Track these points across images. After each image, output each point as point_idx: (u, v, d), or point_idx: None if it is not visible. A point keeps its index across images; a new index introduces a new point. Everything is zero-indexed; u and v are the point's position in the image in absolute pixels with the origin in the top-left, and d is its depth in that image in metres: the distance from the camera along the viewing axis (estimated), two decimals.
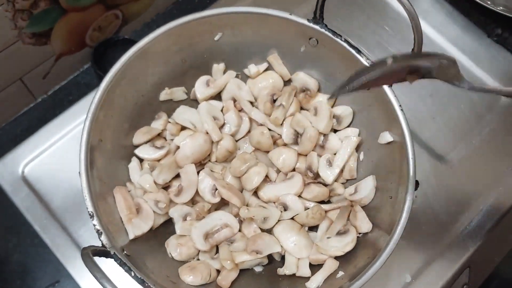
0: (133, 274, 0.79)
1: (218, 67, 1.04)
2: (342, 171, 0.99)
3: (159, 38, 0.94)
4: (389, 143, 0.94)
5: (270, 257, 0.95)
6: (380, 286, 1.04)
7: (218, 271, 0.92)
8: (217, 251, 0.95)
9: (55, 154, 1.11)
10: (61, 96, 1.31)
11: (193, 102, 1.05)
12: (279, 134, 1.02)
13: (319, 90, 1.05)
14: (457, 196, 1.14)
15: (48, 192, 1.08)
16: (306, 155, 1.01)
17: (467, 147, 1.20)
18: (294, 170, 1.01)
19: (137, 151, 0.97)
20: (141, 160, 0.98)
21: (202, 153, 0.97)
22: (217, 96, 1.05)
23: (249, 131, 1.04)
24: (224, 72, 1.05)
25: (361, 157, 1.00)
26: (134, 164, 0.96)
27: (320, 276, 0.88)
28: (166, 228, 0.96)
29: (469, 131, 1.22)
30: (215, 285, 0.90)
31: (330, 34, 0.96)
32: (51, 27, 1.24)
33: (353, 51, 0.95)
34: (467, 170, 1.17)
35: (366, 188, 0.95)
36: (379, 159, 0.97)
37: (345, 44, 0.96)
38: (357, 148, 1.00)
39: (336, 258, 0.91)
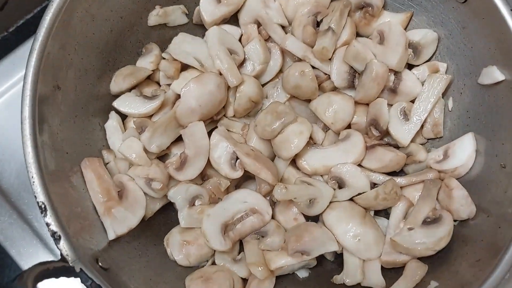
0: None
1: None
2: (422, 126, 0.68)
3: None
4: (496, 83, 0.62)
5: (320, 255, 0.65)
6: None
7: (245, 281, 0.62)
8: (241, 249, 0.64)
9: (3, 112, 0.79)
10: (26, 34, 0.97)
11: (197, 29, 0.73)
12: (326, 74, 0.70)
13: (384, 7, 0.71)
14: None
15: None
16: (368, 104, 0.69)
17: None
18: (349, 127, 0.69)
19: (116, 103, 0.65)
20: (123, 117, 0.66)
21: (214, 104, 0.65)
22: (233, 19, 0.72)
23: (281, 71, 0.71)
24: None
25: (450, 105, 0.68)
26: (112, 122, 0.65)
27: None
28: (164, 215, 0.66)
29: None
30: None
31: None
32: None
33: None
34: None
35: (463, 151, 0.64)
36: (479, 108, 0.65)
37: None
38: (444, 93, 0.68)
39: (421, 259, 0.60)
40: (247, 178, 0.68)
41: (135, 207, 0.60)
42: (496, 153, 0.62)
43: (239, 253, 0.65)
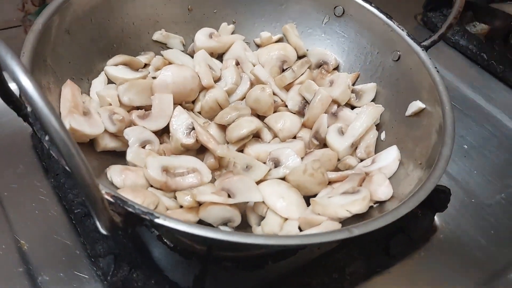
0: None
1: (226, 27, 0.91)
2: (356, 148, 0.77)
3: None
4: (418, 113, 0.75)
5: (244, 220, 0.68)
6: None
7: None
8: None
9: None
10: None
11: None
12: (283, 101, 0.84)
13: (337, 68, 0.89)
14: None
15: None
16: (311, 128, 0.80)
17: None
18: (295, 138, 0.79)
19: (107, 68, 0.78)
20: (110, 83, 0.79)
21: (186, 90, 0.78)
22: (218, 58, 0.90)
23: None
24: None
25: (382, 136, 0.79)
26: (100, 78, 0.77)
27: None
28: (115, 158, 0.72)
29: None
30: None
31: (358, 0, 0.85)
32: None
33: (385, 18, 0.83)
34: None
35: (388, 157, 0.73)
36: (405, 133, 0.76)
37: (375, 10, 0.84)
38: (378, 128, 0.80)
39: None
40: (197, 154, 0.75)
41: (92, 125, 0.67)
42: (415, 157, 0.70)
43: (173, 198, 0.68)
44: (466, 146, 1.02)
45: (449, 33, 1.21)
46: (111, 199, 0.50)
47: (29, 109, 0.56)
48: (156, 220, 0.50)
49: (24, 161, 0.81)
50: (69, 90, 0.69)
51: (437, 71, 0.75)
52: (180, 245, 0.74)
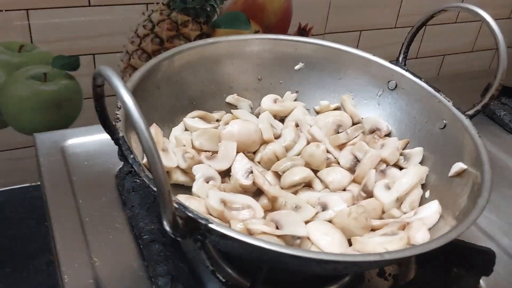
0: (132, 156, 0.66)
1: (290, 95, 1.03)
2: (401, 203, 0.83)
3: (254, 41, 1.00)
4: (460, 174, 0.81)
5: None
6: None
7: None
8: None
9: None
10: None
11: None
12: (335, 158, 0.92)
13: (388, 135, 0.97)
14: None
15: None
16: (361, 183, 0.87)
17: None
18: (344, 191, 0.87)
19: (186, 119, 0.92)
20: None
21: (249, 140, 0.89)
22: (281, 121, 1.01)
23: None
24: None
25: (427, 194, 0.85)
26: (179, 127, 0.90)
27: None
28: (183, 190, 0.82)
29: None
30: None
31: (410, 76, 0.96)
32: None
33: (433, 91, 0.92)
34: None
35: (429, 209, 0.78)
36: (447, 191, 0.81)
37: (424, 84, 0.94)
38: (423, 188, 0.86)
39: None
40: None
41: (169, 159, 0.79)
42: (454, 210, 0.75)
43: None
44: None
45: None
46: (175, 205, 0.60)
47: (120, 134, 0.69)
48: (210, 225, 0.59)
49: (107, 195, 0.94)
50: (153, 130, 0.82)
51: (479, 136, 0.81)
52: (232, 281, 0.81)
